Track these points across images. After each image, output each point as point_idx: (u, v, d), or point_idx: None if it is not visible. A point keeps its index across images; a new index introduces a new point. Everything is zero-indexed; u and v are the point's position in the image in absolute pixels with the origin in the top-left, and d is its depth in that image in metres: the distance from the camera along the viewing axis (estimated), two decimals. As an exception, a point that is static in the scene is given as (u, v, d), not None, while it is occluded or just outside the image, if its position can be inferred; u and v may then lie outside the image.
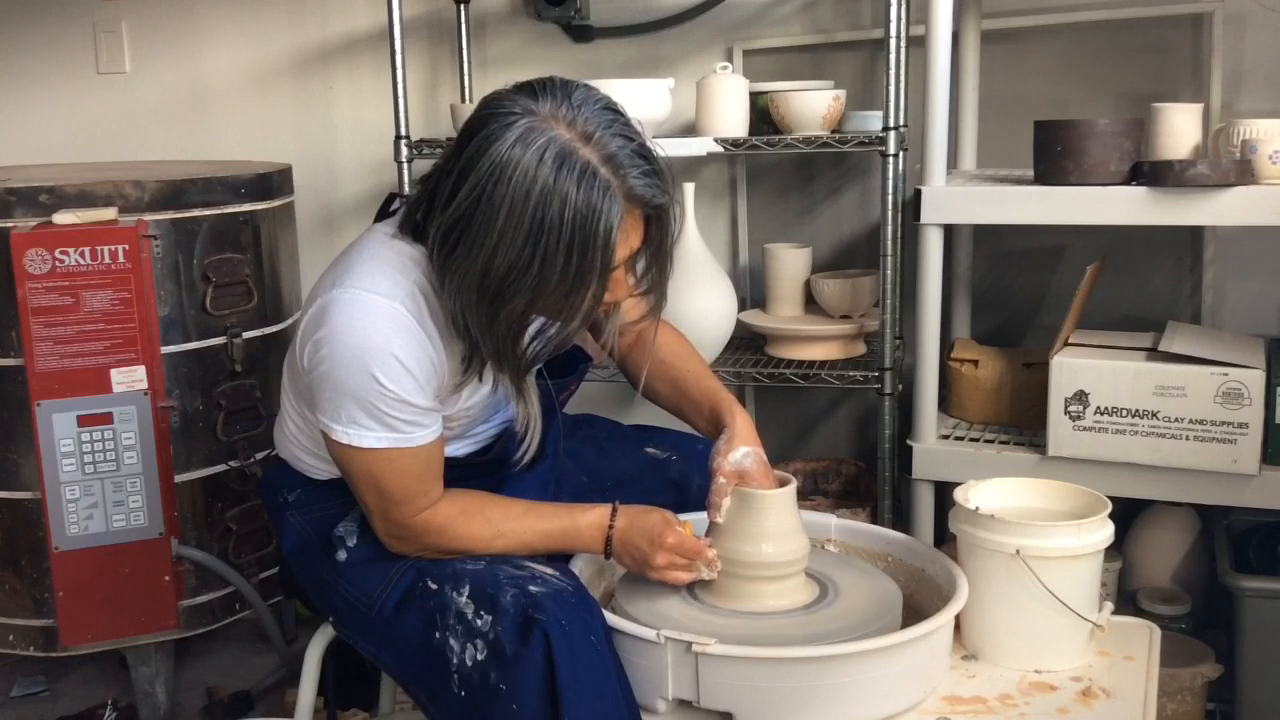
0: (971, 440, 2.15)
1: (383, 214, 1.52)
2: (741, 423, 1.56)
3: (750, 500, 1.48)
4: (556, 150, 1.27)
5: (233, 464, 2.34)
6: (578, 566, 1.54)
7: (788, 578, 1.50)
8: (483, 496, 1.50)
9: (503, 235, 1.28)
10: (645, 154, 1.33)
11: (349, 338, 1.34)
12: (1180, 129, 1.99)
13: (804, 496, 2.44)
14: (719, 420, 1.58)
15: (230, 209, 2.32)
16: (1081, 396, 1.97)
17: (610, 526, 1.49)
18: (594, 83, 2.12)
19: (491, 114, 1.31)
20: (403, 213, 1.43)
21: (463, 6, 2.63)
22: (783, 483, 1.51)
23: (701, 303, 2.27)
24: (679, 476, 1.73)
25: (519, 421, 1.50)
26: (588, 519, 1.49)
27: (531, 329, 1.42)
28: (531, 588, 1.38)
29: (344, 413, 1.37)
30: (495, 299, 1.32)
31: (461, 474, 1.52)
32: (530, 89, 1.33)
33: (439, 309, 1.38)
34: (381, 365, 1.34)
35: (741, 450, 1.52)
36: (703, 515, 1.52)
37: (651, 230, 1.37)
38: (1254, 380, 1.88)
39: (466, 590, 1.40)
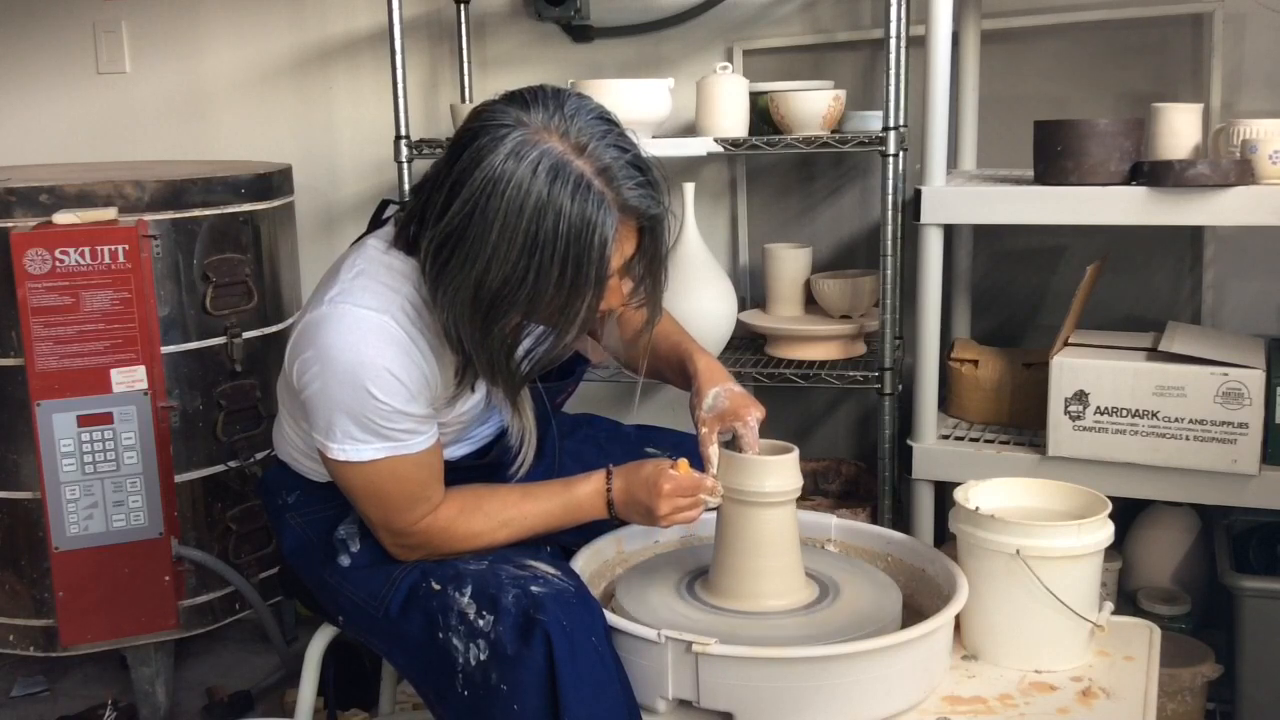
0: (971, 440, 2.15)
1: (375, 220, 1.52)
2: (703, 367, 1.57)
3: (750, 464, 1.48)
4: (551, 163, 1.26)
5: (232, 464, 2.34)
6: (579, 565, 1.55)
7: (784, 504, 1.49)
8: (479, 491, 1.50)
9: (497, 249, 1.27)
10: (639, 165, 1.32)
11: (340, 354, 1.33)
12: (1180, 129, 1.99)
13: (804, 496, 2.43)
14: (684, 370, 1.59)
15: (230, 209, 2.32)
16: (1081, 396, 1.97)
17: (608, 489, 1.50)
18: (594, 83, 2.15)
19: (483, 126, 1.30)
20: (395, 226, 1.43)
21: (463, 6, 2.63)
22: (784, 450, 1.51)
23: (701, 303, 2.27)
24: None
25: (513, 435, 1.50)
26: (585, 489, 1.50)
27: (526, 343, 1.41)
28: (533, 588, 1.38)
29: (338, 429, 1.36)
30: (489, 312, 1.31)
31: (461, 477, 1.52)
32: (521, 99, 1.32)
33: (431, 323, 1.37)
34: (375, 379, 1.33)
35: (711, 394, 1.53)
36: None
37: (645, 240, 1.36)
38: (1254, 380, 1.88)
39: (468, 590, 1.40)
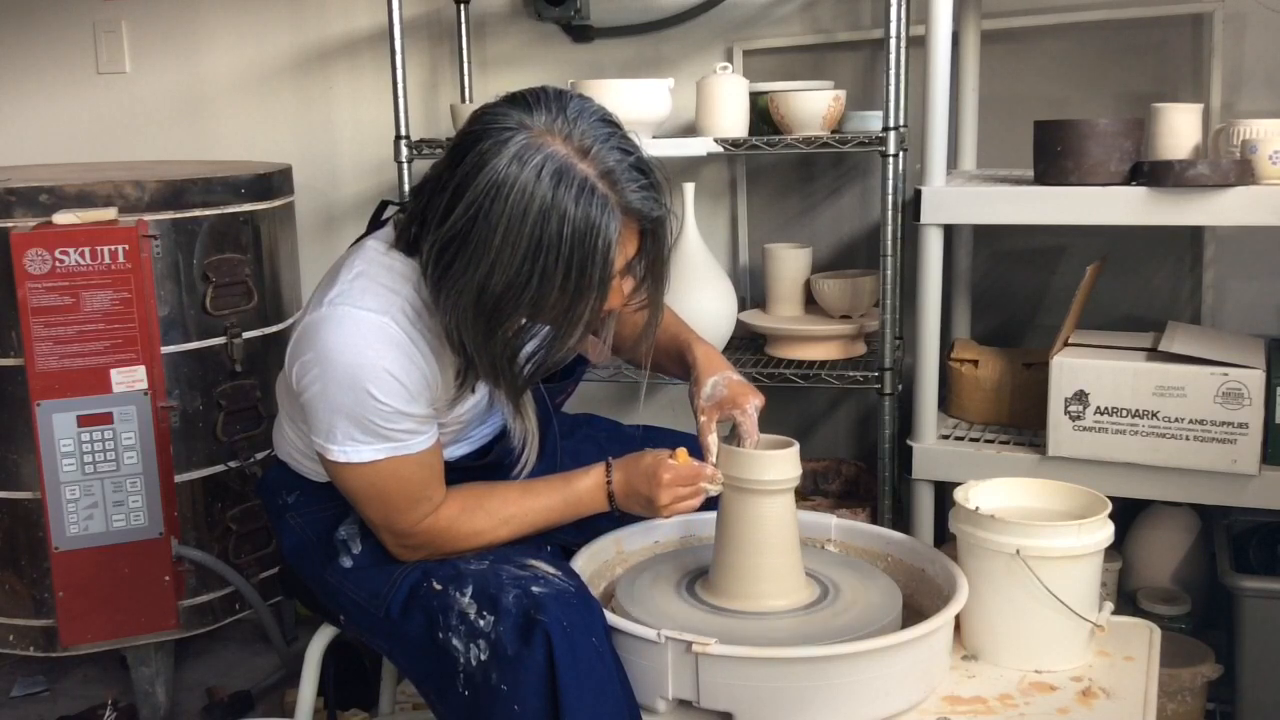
0: (971, 440, 2.15)
1: (374, 221, 1.52)
2: (702, 356, 1.58)
3: (750, 456, 1.48)
4: (555, 166, 1.26)
5: (232, 464, 2.34)
6: (579, 565, 1.55)
7: (784, 494, 1.49)
8: (479, 490, 1.50)
9: (500, 253, 1.27)
10: (642, 168, 1.32)
11: (340, 355, 1.33)
12: (1180, 129, 1.99)
13: (804, 496, 2.44)
14: (683, 360, 1.60)
15: (230, 209, 2.32)
16: (1081, 396, 1.97)
17: (609, 482, 1.50)
18: (594, 83, 2.15)
19: (485, 129, 1.29)
20: (395, 228, 1.43)
21: (463, 6, 2.63)
22: (785, 445, 1.51)
23: (701, 303, 2.27)
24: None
25: (515, 437, 1.50)
26: (585, 483, 1.51)
27: (529, 347, 1.41)
28: (534, 588, 1.38)
29: (339, 430, 1.36)
30: (492, 315, 1.31)
31: (461, 478, 1.52)
32: (523, 101, 1.32)
33: (431, 324, 1.37)
34: (375, 380, 1.33)
35: (710, 382, 1.54)
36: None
37: (646, 242, 1.36)
38: (1254, 380, 1.88)
39: (469, 590, 1.40)
